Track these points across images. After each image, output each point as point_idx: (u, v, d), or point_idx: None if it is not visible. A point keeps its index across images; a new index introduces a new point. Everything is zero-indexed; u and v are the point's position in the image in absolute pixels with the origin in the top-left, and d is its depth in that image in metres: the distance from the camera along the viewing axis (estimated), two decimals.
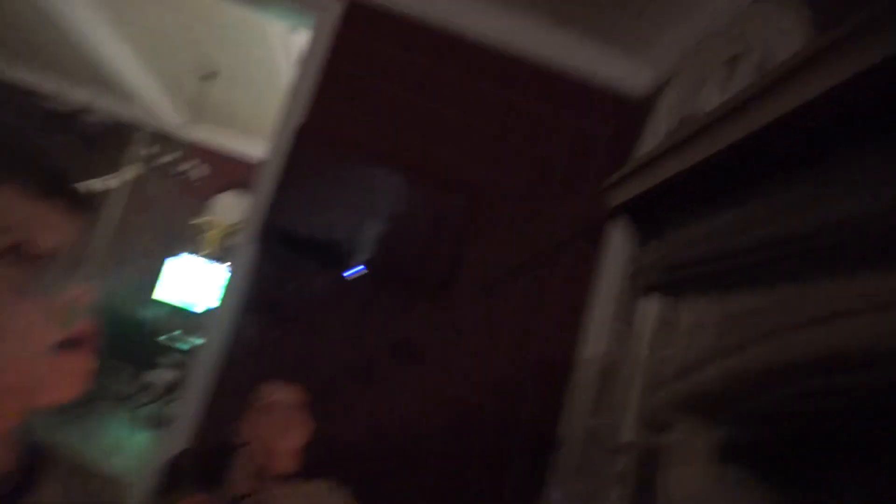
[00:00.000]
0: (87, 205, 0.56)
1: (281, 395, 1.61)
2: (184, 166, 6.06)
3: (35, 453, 0.58)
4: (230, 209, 7.08)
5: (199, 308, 6.56)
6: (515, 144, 2.70)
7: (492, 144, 2.69)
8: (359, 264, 2.47)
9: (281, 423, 1.56)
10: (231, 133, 7.02)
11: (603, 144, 2.73)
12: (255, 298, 2.43)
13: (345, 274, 2.47)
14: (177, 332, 5.94)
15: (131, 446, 4.49)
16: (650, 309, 2.05)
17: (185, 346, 5.61)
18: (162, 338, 5.67)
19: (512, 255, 2.63)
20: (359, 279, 2.49)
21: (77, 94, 7.01)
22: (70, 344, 0.51)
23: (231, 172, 7.05)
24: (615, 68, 2.77)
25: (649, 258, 1.23)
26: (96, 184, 6.39)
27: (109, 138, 6.97)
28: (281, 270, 2.48)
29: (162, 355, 5.56)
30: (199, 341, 2.55)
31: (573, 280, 2.64)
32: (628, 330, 2.27)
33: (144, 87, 6.16)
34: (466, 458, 2.48)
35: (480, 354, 2.56)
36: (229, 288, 2.47)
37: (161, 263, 6.81)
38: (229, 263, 2.55)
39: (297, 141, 2.50)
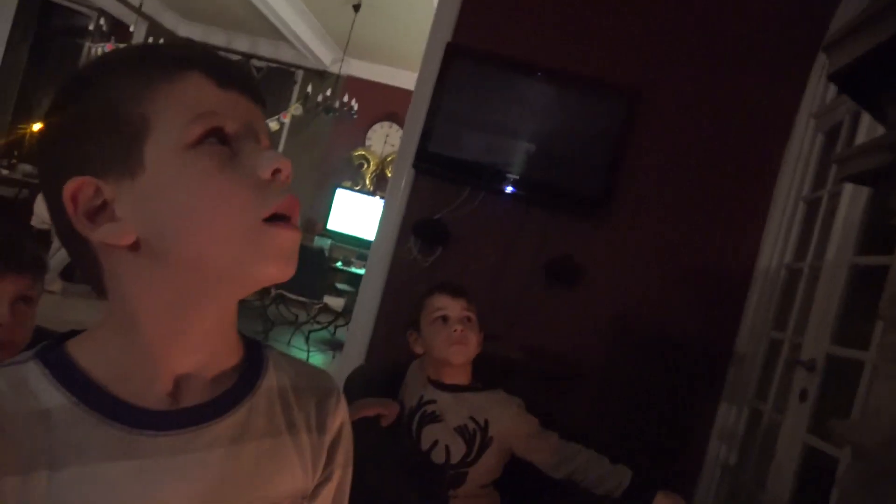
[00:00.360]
0: (258, 95, 0.58)
1: (451, 309, 1.60)
2: (339, 102, 6.30)
3: (255, 343, 0.63)
4: (385, 140, 7.30)
5: (363, 237, 6.94)
6: (682, 40, 2.47)
7: (655, 43, 2.48)
8: (512, 183, 2.44)
9: (451, 336, 1.56)
10: (382, 66, 7.15)
11: (782, 32, 2.41)
12: (413, 224, 2.50)
13: (500, 193, 2.46)
14: (344, 260, 6.35)
15: None
16: (854, 207, 1.82)
17: (355, 271, 5.99)
18: (334, 265, 6.10)
19: (678, 162, 2.46)
20: (513, 198, 2.46)
21: (240, 43, 7.49)
22: (278, 217, 0.53)
23: (384, 104, 7.22)
24: None
25: (873, 143, 1.05)
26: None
27: (271, 82, 7.40)
28: (436, 195, 2.51)
29: (334, 282, 6.00)
30: (362, 270, 2.68)
31: (749, 182, 2.42)
32: (820, 233, 2.06)
33: (300, 29, 6.41)
34: (632, 376, 2.43)
35: (643, 270, 2.46)
36: (388, 215, 2.55)
37: (328, 197, 7.24)
38: (387, 192, 2.63)
39: (446, 61, 2.47)
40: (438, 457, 1.54)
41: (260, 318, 5.35)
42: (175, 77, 0.53)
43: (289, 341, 5.32)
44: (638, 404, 2.42)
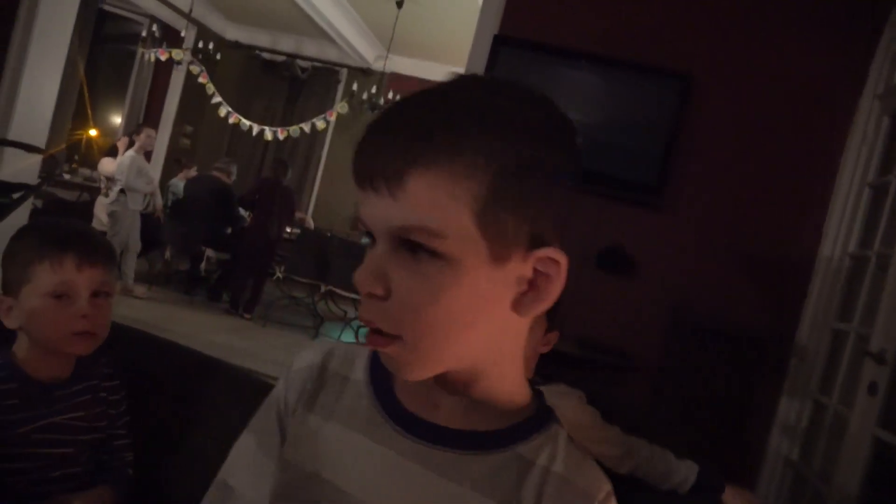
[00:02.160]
0: None
1: None
2: (384, 99, 6.34)
3: (546, 411, 0.61)
4: None
5: None
6: (735, 19, 2.40)
7: (706, 24, 2.41)
8: None
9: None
10: (426, 61, 7.17)
11: (843, 7, 2.32)
12: None
13: None
14: None
15: None
16: None
17: None
18: None
19: (734, 147, 2.39)
20: None
21: (285, 44, 7.62)
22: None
23: None
24: None
25: None
26: (309, 125, 6.95)
27: (316, 81, 7.50)
28: None
29: None
30: None
31: (809, 167, 2.34)
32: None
33: (343, 27, 6.48)
34: (688, 368, 2.38)
35: (699, 258, 2.41)
36: None
37: None
38: None
39: (493, 53, 2.46)
40: None
41: (310, 313, 5.44)
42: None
43: (338, 336, 5.39)
44: (695, 397, 2.37)
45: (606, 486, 0.56)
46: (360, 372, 0.61)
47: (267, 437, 0.62)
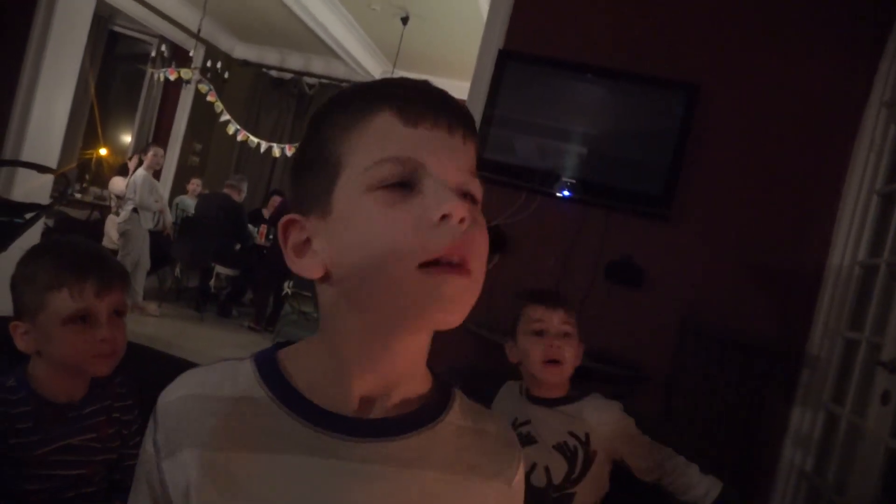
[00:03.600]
0: (457, 124, 0.55)
1: (548, 321, 1.49)
2: None
3: (443, 381, 0.63)
4: None
5: None
6: (741, 29, 2.41)
7: (711, 34, 2.42)
8: (569, 186, 2.42)
9: (546, 352, 1.45)
10: (431, 76, 7.21)
11: (849, 15, 2.32)
12: None
13: (556, 196, 2.44)
14: None
15: None
16: None
17: None
18: None
19: (742, 157, 2.39)
20: (570, 201, 2.44)
21: (293, 62, 7.69)
22: (443, 262, 0.51)
23: None
24: None
25: None
26: None
27: (324, 98, 7.56)
28: (492, 202, 2.51)
29: None
30: None
31: (817, 176, 2.34)
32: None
33: (350, 44, 6.54)
34: (698, 379, 2.36)
35: (708, 269, 2.40)
36: None
37: None
38: None
39: (498, 67, 2.48)
40: (538, 480, 1.42)
41: (318, 328, 5.45)
42: (366, 117, 0.54)
43: None
44: (706, 408, 2.35)
45: (514, 436, 0.65)
46: (254, 390, 0.56)
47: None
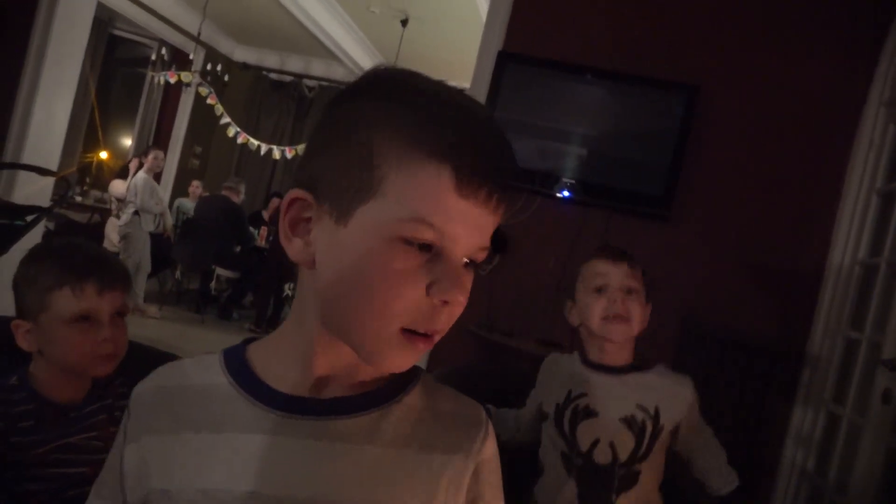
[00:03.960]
0: (502, 202, 0.54)
1: (611, 276, 1.35)
2: None
3: (414, 368, 0.62)
4: None
5: None
6: (740, 29, 2.41)
7: (710, 35, 2.43)
8: (569, 187, 2.42)
9: (609, 308, 1.33)
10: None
11: (847, 15, 2.33)
12: None
13: (556, 198, 2.44)
14: None
15: None
16: None
17: None
18: None
19: (742, 158, 2.39)
20: (571, 202, 2.45)
21: (293, 64, 7.70)
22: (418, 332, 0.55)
23: None
24: None
25: None
26: None
27: (325, 100, 7.57)
28: None
29: None
30: None
31: (816, 176, 2.34)
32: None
33: (349, 46, 6.55)
34: (698, 379, 2.35)
35: (708, 269, 2.40)
36: None
37: None
38: None
39: (498, 69, 2.49)
40: (603, 457, 1.30)
41: None
42: (425, 163, 0.50)
43: None
44: (707, 408, 2.35)
45: (483, 412, 0.64)
46: (216, 378, 0.59)
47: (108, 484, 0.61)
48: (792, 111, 2.37)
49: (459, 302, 0.53)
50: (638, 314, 1.35)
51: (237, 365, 0.60)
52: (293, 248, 0.55)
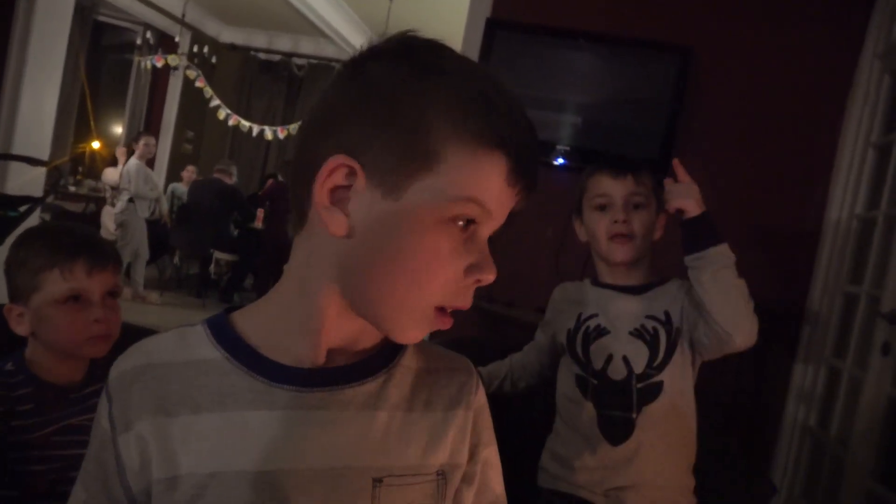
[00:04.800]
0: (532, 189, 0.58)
1: (613, 193, 1.31)
2: None
3: (405, 346, 0.64)
4: None
5: None
6: None
7: None
8: (563, 155, 2.41)
9: (611, 227, 1.29)
10: None
11: None
12: None
13: (551, 166, 2.43)
14: None
15: None
16: None
17: None
18: None
19: (737, 118, 2.37)
20: (566, 170, 2.43)
21: (282, 43, 7.61)
22: (443, 310, 0.56)
23: None
24: None
25: None
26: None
27: (315, 78, 7.50)
28: None
29: None
30: None
31: (812, 131, 2.32)
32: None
33: (337, 23, 6.46)
34: None
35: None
36: None
37: None
38: None
39: (487, 38, 2.45)
40: (617, 372, 1.27)
41: None
42: (483, 148, 0.52)
43: None
44: (709, 369, 2.36)
45: (470, 363, 0.67)
46: (206, 351, 0.57)
47: (98, 478, 0.57)
48: (786, 67, 2.34)
49: (490, 281, 0.56)
50: (642, 229, 1.31)
51: (230, 338, 0.57)
52: (331, 216, 0.52)
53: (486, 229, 0.56)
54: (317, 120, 0.56)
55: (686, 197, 1.27)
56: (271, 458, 0.53)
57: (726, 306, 1.22)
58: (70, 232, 0.98)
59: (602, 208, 1.31)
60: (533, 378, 1.51)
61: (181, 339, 0.58)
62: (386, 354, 0.61)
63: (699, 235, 1.27)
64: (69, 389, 0.97)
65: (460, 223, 0.53)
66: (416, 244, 0.52)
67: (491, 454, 0.67)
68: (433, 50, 0.56)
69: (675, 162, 1.30)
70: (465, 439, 0.63)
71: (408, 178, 0.51)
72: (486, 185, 0.53)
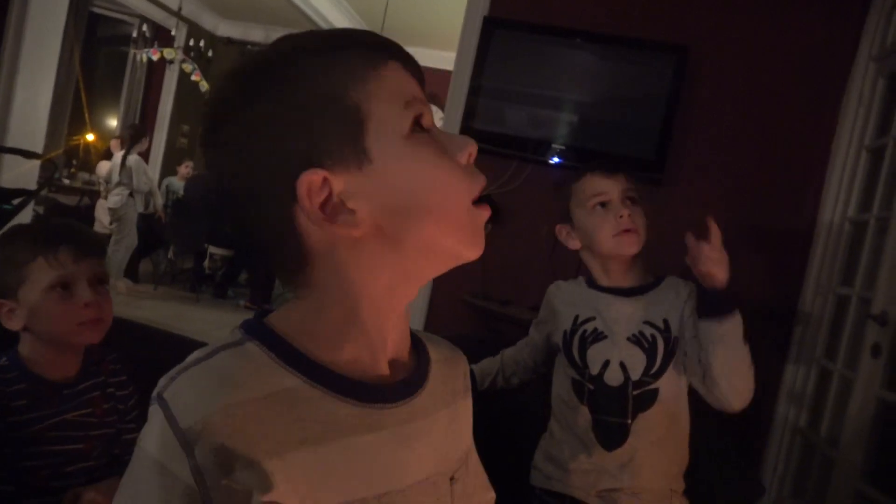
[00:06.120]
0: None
1: (611, 191, 1.30)
2: None
3: (419, 340, 0.64)
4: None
5: None
6: None
7: None
8: (559, 153, 2.41)
9: (619, 223, 1.28)
10: (418, 48, 7.13)
11: None
12: None
13: (547, 164, 2.43)
14: None
15: None
16: None
17: None
18: None
19: (732, 118, 2.38)
20: (562, 169, 2.44)
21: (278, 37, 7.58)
22: (479, 200, 0.56)
23: (427, 87, 7.20)
24: None
25: None
26: None
27: None
28: (483, 172, 2.50)
29: None
30: None
31: (806, 133, 2.33)
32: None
33: (334, 18, 6.44)
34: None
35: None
36: None
37: None
38: None
39: (484, 36, 2.45)
40: (614, 378, 1.27)
41: None
42: (379, 66, 0.54)
43: None
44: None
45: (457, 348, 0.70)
46: (285, 379, 0.51)
47: None
48: (781, 69, 2.35)
49: (473, 145, 0.57)
50: (643, 224, 1.32)
51: (296, 358, 0.52)
52: (340, 229, 0.51)
53: (429, 115, 0.56)
54: (244, 163, 0.53)
55: (720, 265, 1.26)
56: (383, 480, 0.53)
57: (734, 377, 1.22)
58: (51, 224, 1.00)
59: (603, 206, 1.30)
60: (526, 374, 1.52)
61: (246, 367, 0.51)
62: (421, 355, 0.63)
63: (721, 303, 1.25)
64: (63, 385, 0.97)
65: (418, 129, 0.54)
66: (414, 172, 0.53)
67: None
68: (287, 42, 0.56)
69: (711, 222, 1.30)
70: (471, 419, 0.68)
71: (358, 139, 0.52)
72: (405, 89, 0.55)
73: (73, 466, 0.94)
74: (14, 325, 0.95)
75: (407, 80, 0.55)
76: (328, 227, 0.51)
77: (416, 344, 0.63)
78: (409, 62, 0.56)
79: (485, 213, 0.56)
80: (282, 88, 0.52)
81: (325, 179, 0.51)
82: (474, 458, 0.70)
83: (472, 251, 0.56)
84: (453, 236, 0.55)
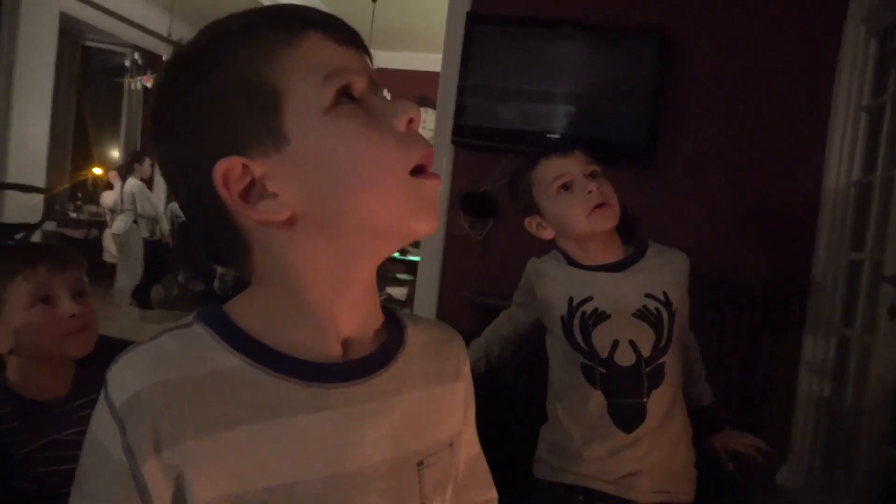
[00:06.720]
0: (367, 48, 0.56)
1: (572, 169, 1.24)
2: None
3: (385, 307, 0.62)
4: (422, 126, 7.27)
5: None
6: None
7: None
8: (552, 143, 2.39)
9: (588, 199, 1.22)
10: (407, 52, 7.12)
11: None
12: (460, 200, 2.49)
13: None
14: (400, 250, 6.41)
15: None
16: None
17: (413, 259, 6.06)
18: (391, 256, 6.17)
19: (724, 94, 2.35)
20: None
21: None
22: (419, 170, 0.52)
23: (415, 90, 7.19)
24: None
25: None
26: None
27: None
28: (478, 168, 2.49)
29: (394, 273, 6.08)
30: (419, 258, 2.71)
31: (802, 102, 2.30)
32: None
33: None
34: (704, 324, 2.34)
35: (701, 212, 2.37)
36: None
37: None
38: None
39: (468, 31, 2.44)
40: (625, 358, 1.23)
41: None
42: (294, 40, 0.51)
43: None
44: (718, 351, 2.34)
45: (454, 329, 0.68)
46: (224, 359, 0.51)
47: None
48: (771, 39, 2.32)
49: (418, 116, 0.53)
50: (612, 193, 1.25)
51: (240, 340, 0.52)
52: (263, 213, 0.50)
53: (362, 83, 0.53)
54: (175, 155, 0.53)
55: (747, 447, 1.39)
56: (334, 461, 0.52)
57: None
58: (28, 244, 1.01)
59: (566, 187, 1.25)
60: (509, 349, 1.49)
61: (186, 347, 0.51)
62: (395, 335, 0.60)
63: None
64: (54, 404, 0.97)
65: (343, 99, 0.51)
66: (336, 148, 0.50)
67: (471, 414, 0.69)
68: (206, 29, 0.56)
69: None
70: (470, 405, 0.67)
71: (274, 120, 0.50)
72: (327, 60, 0.51)
73: (69, 487, 0.93)
74: (1, 348, 0.96)
75: (329, 49, 0.52)
76: (250, 213, 0.50)
77: (394, 324, 0.62)
78: (333, 30, 0.52)
79: (430, 182, 0.53)
80: (200, 77, 0.51)
81: (244, 166, 0.50)
82: (473, 451, 0.68)
83: (419, 225, 0.53)
84: (393, 212, 0.52)
